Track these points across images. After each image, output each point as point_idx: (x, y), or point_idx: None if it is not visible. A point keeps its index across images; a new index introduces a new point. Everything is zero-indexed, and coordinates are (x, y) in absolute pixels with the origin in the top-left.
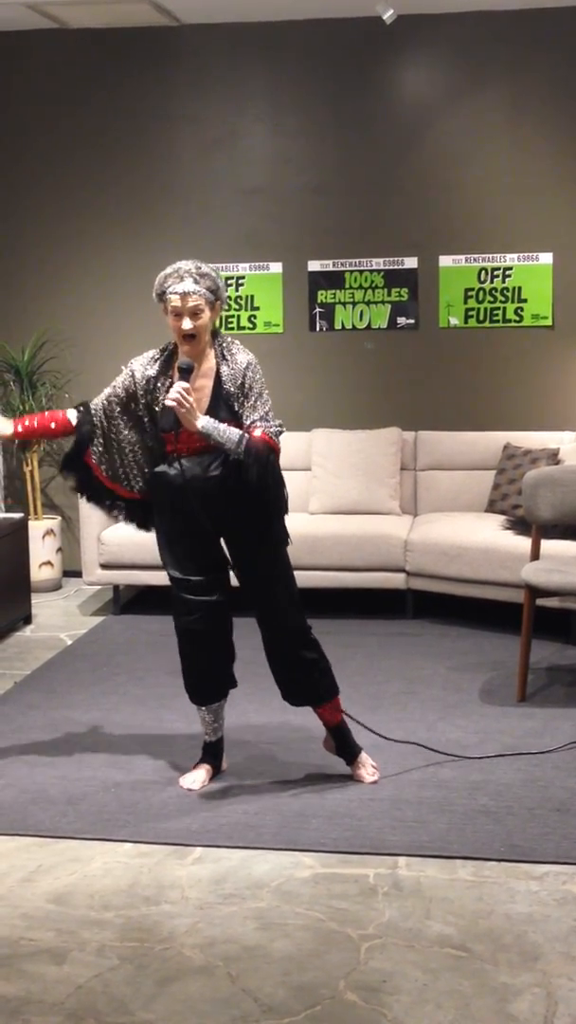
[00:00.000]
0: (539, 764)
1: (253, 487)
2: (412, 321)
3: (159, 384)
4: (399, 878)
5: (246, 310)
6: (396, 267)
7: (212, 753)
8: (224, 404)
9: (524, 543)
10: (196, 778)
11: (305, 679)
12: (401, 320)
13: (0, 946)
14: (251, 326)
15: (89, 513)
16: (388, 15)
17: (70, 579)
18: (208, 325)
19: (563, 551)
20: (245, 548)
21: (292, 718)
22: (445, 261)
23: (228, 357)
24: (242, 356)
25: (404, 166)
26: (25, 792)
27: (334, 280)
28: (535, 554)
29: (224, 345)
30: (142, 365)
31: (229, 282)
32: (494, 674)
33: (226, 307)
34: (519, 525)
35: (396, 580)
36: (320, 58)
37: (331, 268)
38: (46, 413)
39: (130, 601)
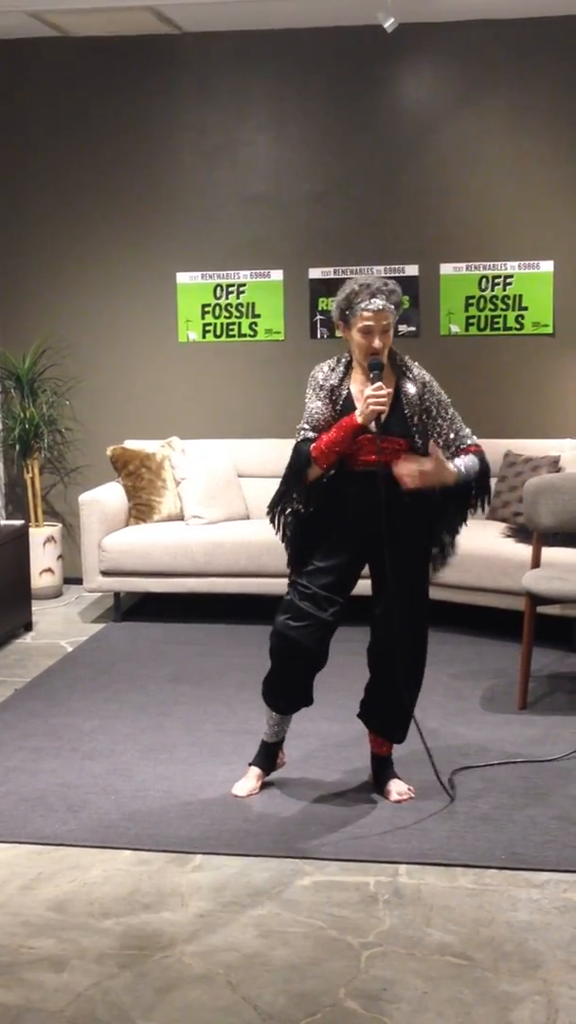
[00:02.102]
0: (540, 772)
1: (485, 495)
2: (413, 329)
3: (341, 392)
4: (400, 886)
5: (247, 317)
6: (397, 275)
7: (267, 754)
8: (401, 417)
9: (525, 550)
10: (246, 786)
11: (401, 712)
12: (402, 328)
13: (0, 954)
14: (252, 333)
15: (90, 520)
16: (389, 23)
17: (71, 586)
18: (391, 341)
19: (564, 559)
20: (407, 561)
21: (292, 726)
22: (446, 269)
23: (408, 374)
24: (425, 373)
25: (405, 174)
26: (25, 799)
27: (335, 288)
28: (536, 561)
29: (401, 361)
30: (324, 375)
31: (230, 289)
32: (495, 682)
33: (228, 314)
34: (520, 532)
35: None
36: (321, 66)
37: (332, 276)
38: (315, 437)
39: (131, 608)
